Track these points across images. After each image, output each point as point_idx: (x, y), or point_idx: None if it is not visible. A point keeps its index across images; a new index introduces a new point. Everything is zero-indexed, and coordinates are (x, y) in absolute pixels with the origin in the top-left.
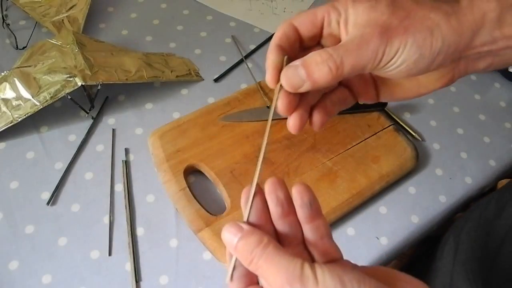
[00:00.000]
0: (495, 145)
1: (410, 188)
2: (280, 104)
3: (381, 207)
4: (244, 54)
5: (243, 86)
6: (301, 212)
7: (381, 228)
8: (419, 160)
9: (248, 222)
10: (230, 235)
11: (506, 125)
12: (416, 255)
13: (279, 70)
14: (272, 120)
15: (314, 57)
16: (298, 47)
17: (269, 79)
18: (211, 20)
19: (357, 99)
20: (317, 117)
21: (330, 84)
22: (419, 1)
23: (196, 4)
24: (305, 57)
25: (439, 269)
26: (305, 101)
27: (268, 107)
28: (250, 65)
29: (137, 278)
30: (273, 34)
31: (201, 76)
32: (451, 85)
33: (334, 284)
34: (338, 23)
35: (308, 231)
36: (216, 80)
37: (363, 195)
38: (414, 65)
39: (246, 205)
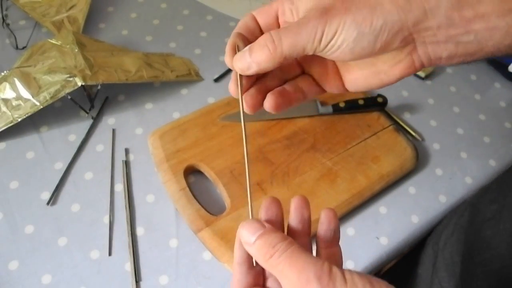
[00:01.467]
0: (495, 145)
1: (410, 188)
2: (230, 86)
3: (381, 207)
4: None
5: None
6: (323, 236)
7: (381, 228)
8: (419, 160)
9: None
10: (251, 228)
11: (506, 125)
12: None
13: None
14: (272, 120)
15: (259, 41)
16: (259, 35)
17: (226, 60)
18: (211, 20)
19: (322, 88)
20: (270, 98)
21: (272, 64)
22: None
23: (196, 4)
24: (252, 43)
25: (420, 275)
26: (261, 83)
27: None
28: None
29: (137, 278)
30: None
31: (201, 76)
32: (414, 72)
33: (363, 284)
34: (292, 12)
35: (323, 256)
36: (216, 80)
37: (363, 195)
38: (355, 44)
39: (256, 208)
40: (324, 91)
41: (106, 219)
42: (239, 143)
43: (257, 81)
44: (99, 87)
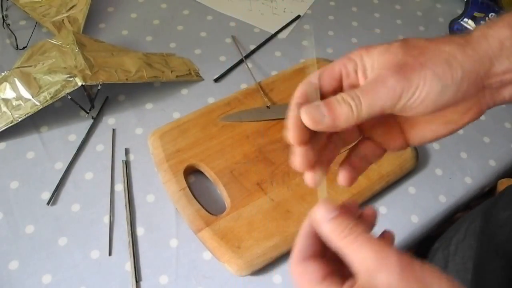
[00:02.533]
0: (495, 145)
1: (410, 188)
2: (293, 134)
3: (381, 207)
4: (244, 54)
5: (243, 86)
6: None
7: (381, 228)
8: (419, 160)
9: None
10: (328, 207)
11: (506, 125)
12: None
13: (300, 127)
14: (272, 120)
15: (335, 98)
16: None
17: (291, 136)
18: (211, 20)
19: (385, 150)
20: (343, 173)
21: (350, 123)
22: (430, 39)
23: (196, 4)
24: (326, 99)
25: None
26: (324, 157)
27: (268, 107)
28: (250, 65)
29: (137, 278)
30: (273, 34)
31: (201, 76)
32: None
33: (439, 283)
34: (356, 73)
35: None
36: (216, 80)
37: (363, 195)
38: (440, 97)
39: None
40: (385, 152)
41: (106, 219)
42: (239, 143)
43: (321, 154)
44: (99, 87)
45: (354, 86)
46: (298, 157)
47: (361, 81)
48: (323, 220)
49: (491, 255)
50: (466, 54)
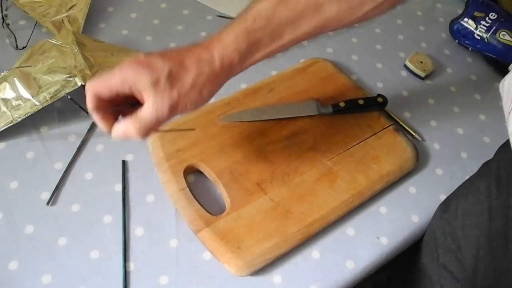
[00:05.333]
0: (495, 145)
1: (410, 188)
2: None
3: (381, 207)
4: None
5: (243, 85)
6: None
7: (381, 228)
8: (419, 160)
9: None
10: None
11: (506, 125)
12: None
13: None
14: (272, 120)
15: None
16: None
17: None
18: (211, 20)
19: None
20: None
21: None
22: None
23: (196, 4)
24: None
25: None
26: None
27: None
28: None
29: (137, 278)
30: None
31: None
32: None
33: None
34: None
35: None
36: None
37: (363, 195)
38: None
39: None
40: None
41: (106, 219)
42: (239, 143)
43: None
44: None
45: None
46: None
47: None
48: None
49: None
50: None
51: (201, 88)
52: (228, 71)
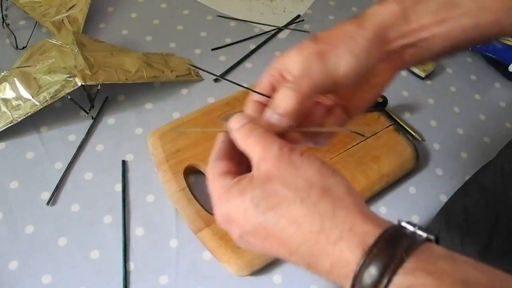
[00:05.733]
0: (495, 145)
1: (410, 188)
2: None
3: (381, 207)
4: (244, 54)
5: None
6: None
7: None
8: (419, 160)
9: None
10: (238, 118)
11: (506, 125)
12: None
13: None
14: None
15: (278, 91)
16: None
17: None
18: (211, 20)
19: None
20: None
21: (293, 104)
22: (333, 27)
23: (196, 4)
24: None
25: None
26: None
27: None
28: (250, 65)
29: (137, 278)
30: (273, 34)
31: (201, 76)
32: (396, 75)
33: (318, 166)
34: (283, 76)
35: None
36: (216, 80)
37: (363, 195)
38: (356, 65)
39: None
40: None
41: (106, 219)
42: None
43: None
44: (99, 87)
45: None
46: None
47: (289, 78)
48: (234, 127)
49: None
50: (363, 27)
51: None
52: None
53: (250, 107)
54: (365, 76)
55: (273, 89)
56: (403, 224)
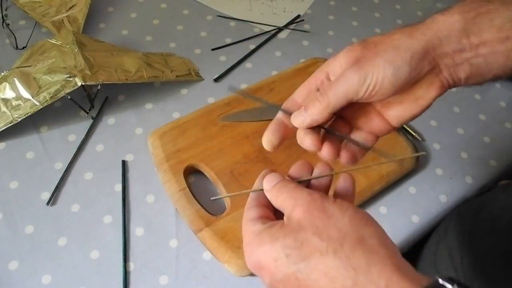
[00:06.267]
0: (495, 145)
1: (410, 188)
2: (307, 142)
3: (381, 207)
4: (244, 54)
5: (243, 85)
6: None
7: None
8: (419, 160)
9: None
10: (270, 177)
11: (506, 125)
12: None
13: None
14: (272, 120)
15: (310, 98)
16: None
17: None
18: (211, 20)
19: (376, 135)
20: (344, 155)
21: (323, 114)
22: (387, 33)
23: (196, 4)
24: None
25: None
26: (330, 139)
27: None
28: (250, 65)
29: (137, 278)
30: (273, 34)
31: (201, 76)
32: (445, 92)
33: (351, 215)
34: (329, 79)
35: None
36: (216, 80)
37: (363, 195)
38: (395, 78)
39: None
40: (377, 138)
41: (106, 219)
42: (239, 143)
43: (326, 140)
44: (99, 87)
45: None
46: (306, 138)
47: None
48: (266, 188)
49: (485, 216)
50: (413, 37)
51: None
52: None
53: (287, 104)
54: (406, 89)
55: (317, 90)
56: (441, 281)
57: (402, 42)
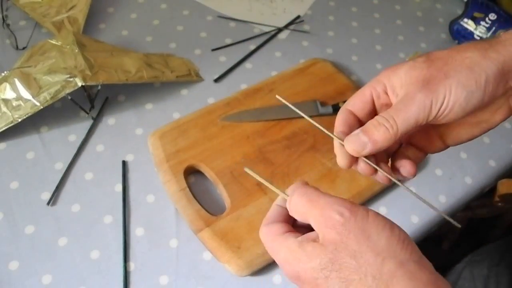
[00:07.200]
0: (495, 145)
1: (410, 188)
2: (343, 162)
3: (381, 207)
4: (244, 54)
5: (243, 86)
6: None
7: None
8: None
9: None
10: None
11: (506, 126)
12: None
13: (346, 154)
14: (272, 120)
15: (372, 122)
16: (359, 126)
17: (340, 162)
18: (211, 20)
19: (426, 153)
20: (409, 165)
21: (389, 142)
22: (453, 47)
23: (196, 4)
24: (364, 125)
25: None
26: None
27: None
28: (250, 65)
29: (137, 278)
30: (273, 34)
31: (201, 76)
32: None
33: (383, 225)
34: (386, 93)
35: None
36: (216, 81)
37: (363, 195)
38: (467, 102)
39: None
40: (426, 155)
41: (106, 219)
42: (239, 143)
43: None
44: (99, 87)
45: (387, 105)
46: (345, 160)
47: (392, 99)
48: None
49: None
50: (488, 57)
51: None
52: None
53: (341, 116)
54: (474, 113)
55: (372, 103)
56: None
57: (475, 63)
